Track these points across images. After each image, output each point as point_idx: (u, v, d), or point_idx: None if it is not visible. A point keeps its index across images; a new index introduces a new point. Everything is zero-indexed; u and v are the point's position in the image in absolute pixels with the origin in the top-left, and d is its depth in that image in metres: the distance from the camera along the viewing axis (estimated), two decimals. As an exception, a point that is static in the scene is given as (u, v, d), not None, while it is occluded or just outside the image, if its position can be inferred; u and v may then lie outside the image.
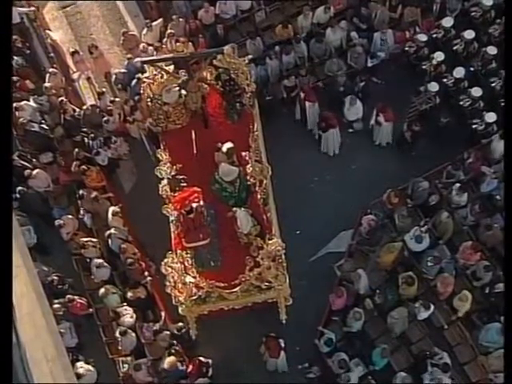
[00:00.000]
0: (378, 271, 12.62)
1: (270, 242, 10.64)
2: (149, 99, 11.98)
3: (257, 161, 11.46)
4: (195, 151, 11.68)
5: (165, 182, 11.49)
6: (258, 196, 11.34)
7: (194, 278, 10.70)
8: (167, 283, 10.91)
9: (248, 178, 11.24)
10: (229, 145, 11.09)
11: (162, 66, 11.74)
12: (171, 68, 11.95)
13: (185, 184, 11.00)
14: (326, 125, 13.59)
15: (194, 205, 10.43)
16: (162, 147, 12.06)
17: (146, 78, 12.14)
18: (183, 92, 11.70)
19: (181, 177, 11.12)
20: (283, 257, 10.91)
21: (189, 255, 10.90)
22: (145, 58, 12.57)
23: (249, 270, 10.57)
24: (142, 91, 12.27)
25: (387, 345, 11.87)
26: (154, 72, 11.98)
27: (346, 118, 13.85)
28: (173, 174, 11.24)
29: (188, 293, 10.82)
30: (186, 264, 10.83)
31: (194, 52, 12.36)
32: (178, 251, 11.00)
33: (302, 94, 13.66)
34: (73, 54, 14.90)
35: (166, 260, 10.89)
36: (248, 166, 11.26)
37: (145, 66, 12.26)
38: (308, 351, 12.51)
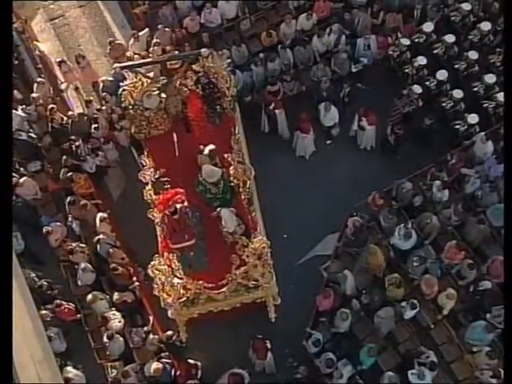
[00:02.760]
0: (365, 273, 12.72)
1: (255, 239, 10.74)
2: (130, 106, 12.11)
3: (239, 162, 11.60)
4: (178, 156, 11.79)
5: (149, 186, 11.59)
6: (242, 196, 11.47)
7: (182, 279, 10.77)
8: (155, 286, 10.97)
9: (231, 179, 11.36)
10: (211, 147, 11.23)
11: (141, 71, 11.87)
12: (151, 74, 12.09)
13: (168, 186, 11.11)
14: (299, 127, 13.83)
15: (178, 206, 10.54)
16: (145, 153, 12.17)
17: (126, 85, 12.29)
18: (163, 95, 11.83)
19: (164, 179, 11.22)
20: (269, 255, 10.99)
21: (175, 257, 10.96)
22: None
23: (235, 268, 10.67)
24: (123, 99, 12.39)
25: (374, 345, 11.94)
26: (135, 79, 12.13)
27: (322, 124, 14.03)
28: (156, 177, 11.33)
29: (176, 295, 10.89)
30: (173, 266, 10.90)
31: (171, 55, 12.52)
32: (165, 254, 11.08)
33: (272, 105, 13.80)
34: (60, 63, 15.05)
35: (152, 262, 10.97)
36: (231, 167, 11.39)
37: (125, 73, 12.40)
38: (296, 353, 12.57)
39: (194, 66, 12.20)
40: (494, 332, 11.69)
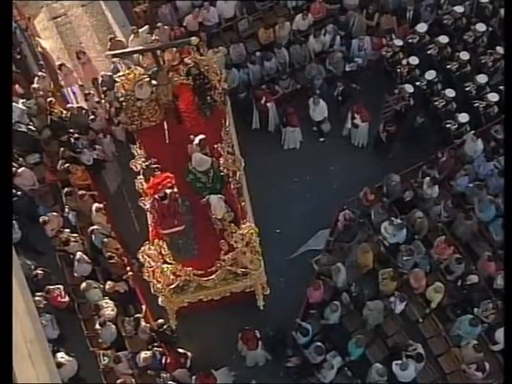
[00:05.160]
0: (355, 267, 12.89)
1: (244, 226, 10.94)
2: (122, 98, 12.34)
3: (229, 153, 11.79)
4: (169, 147, 12.00)
5: (141, 176, 11.80)
6: (232, 186, 11.66)
7: (171, 264, 10.95)
8: (145, 271, 11.15)
9: (221, 168, 11.53)
10: (201, 136, 11.43)
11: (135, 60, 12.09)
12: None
13: (159, 173, 11.30)
14: (286, 121, 14.09)
15: (168, 191, 10.70)
16: (137, 145, 12.38)
17: (118, 77, 12.57)
18: (154, 82, 12.03)
19: (155, 166, 11.42)
20: (257, 241, 11.18)
21: (165, 244, 11.15)
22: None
23: (224, 253, 10.85)
24: (115, 90, 12.62)
25: (363, 336, 12.09)
26: (127, 71, 12.41)
27: (312, 119, 14.26)
28: (146, 164, 11.54)
29: (166, 281, 11.07)
30: (163, 252, 11.08)
31: (162, 43, 12.76)
32: (155, 240, 11.27)
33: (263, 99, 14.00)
34: (60, 66, 15.36)
35: (142, 248, 11.15)
36: (221, 157, 11.57)
37: (118, 65, 12.65)
38: (287, 345, 12.69)
39: (185, 59, 12.47)
40: (480, 325, 11.84)
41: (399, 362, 11.43)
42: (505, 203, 11.75)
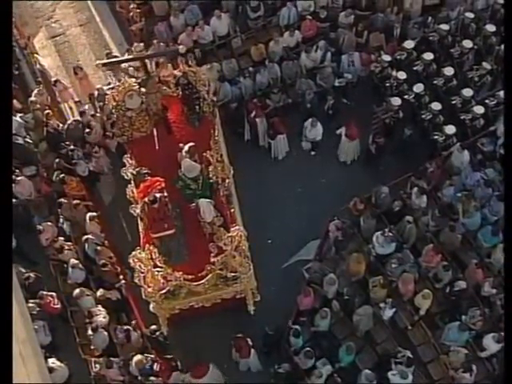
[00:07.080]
0: (346, 276, 13.05)
1: (233, 229, 11.13)
2: (113, 109, 12.63)
3: (218, 161, 12.02)
4: (159, 156, 12.25)
5: (131, 184, 12.01)
6: (221, 193, 11.86)
7: (162, 268, 11.10)
8: (136, 275, 11.29)
9: (210, 175, 11.73)
10: (190, 144, 11.67)
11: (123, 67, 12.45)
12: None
13: (149, 178, 11.51)
14: (273, 131, 14.40)
15: (158, 195, 10.87)
16: (128, 155, 12.64)
17: (109, 89, 12.88)
18: (143, 90, 12.34)
19: (145, 171, 11.64)
20: (246, 245, 11.35)
21: (156, 248, 11.32)
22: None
23: (214, 256, 11.01)
24: (106, 102, 12.88)
25: (353, 343, 12.21)
26: (118, 83, 12.74)
27: (307, 138, 14.62)
28: (137, 169, 11.79)
29: (157, 285, 11.21)
30: (154, 257, 11.24)
31: (151, 52, 13.21)
32: (146, 245, 11.44)
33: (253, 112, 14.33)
34: (55, 82, 15.71)
35: (133, 253, 11.32)
36: (210, 165, 11.80)
37: (109, 77, 12.96)
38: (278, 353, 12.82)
39: (175, 72, 12.81)
40: (467, 331, 11.97)
41: (396, 371, 11.50)
42: (505, 208, 11.85)
